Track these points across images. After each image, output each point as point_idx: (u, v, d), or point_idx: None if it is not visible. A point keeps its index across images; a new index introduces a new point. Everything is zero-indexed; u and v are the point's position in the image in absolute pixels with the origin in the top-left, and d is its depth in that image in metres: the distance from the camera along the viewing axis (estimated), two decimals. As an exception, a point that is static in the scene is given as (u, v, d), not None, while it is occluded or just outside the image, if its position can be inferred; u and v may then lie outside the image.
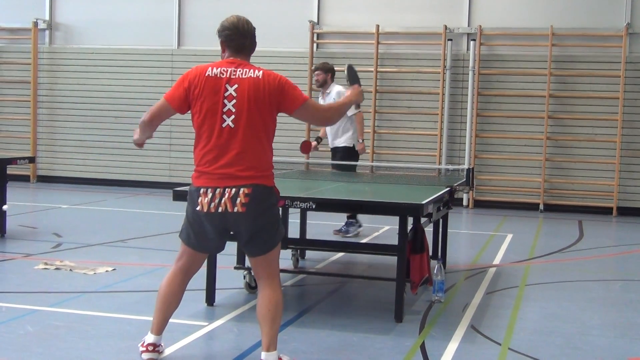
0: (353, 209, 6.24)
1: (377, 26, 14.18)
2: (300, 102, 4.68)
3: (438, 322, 6.00)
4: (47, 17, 15.93)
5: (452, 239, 9.11)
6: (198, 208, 4.60)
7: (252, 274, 6.69)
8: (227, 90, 4.56)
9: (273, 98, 4.61)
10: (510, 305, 6.64)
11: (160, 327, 4.83)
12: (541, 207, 13.76)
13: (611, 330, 6.01)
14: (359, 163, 10.20)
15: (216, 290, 6.28)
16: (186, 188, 6.38)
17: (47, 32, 16.01)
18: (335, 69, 10.24)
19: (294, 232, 8.15)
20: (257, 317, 4.68)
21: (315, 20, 14.63)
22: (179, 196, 6.06)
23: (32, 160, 9.95)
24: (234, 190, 4.53)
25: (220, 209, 4.55)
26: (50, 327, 5.48)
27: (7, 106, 16.24)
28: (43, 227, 10.23)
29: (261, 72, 4.64)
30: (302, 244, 8.04)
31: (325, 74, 10.08)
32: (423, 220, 6.71)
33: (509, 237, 10.56)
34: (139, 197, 14.20)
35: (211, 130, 4.57)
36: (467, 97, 14.01)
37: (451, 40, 14.04)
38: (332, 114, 4.95)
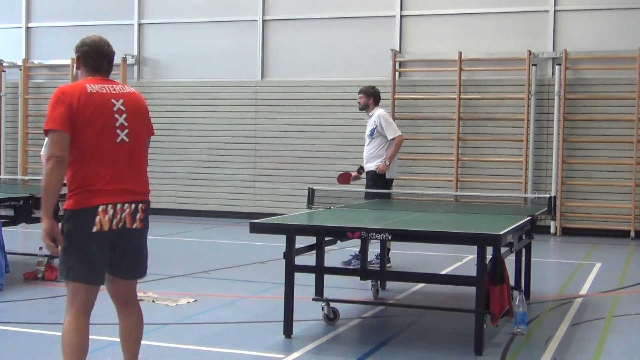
0: (429, 239, 6.16)
1: (460, 53, 14.07)
2: (153, 132, 4.70)
3: (519, 355, 5.86)
4: (135, 53, 16.38)
5: (537, 269, 8.91)
6: (95, 229, 4.28)
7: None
8: (114, 104, 4.39)
9: (148, 118, 4.63)
10: (595, 337, 6.43)
11: None
12: (632, 234, 13.34)
13: (703, 365, 5.77)
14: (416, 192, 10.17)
15: (294, 322, 6.28)
16: (263, 220, 6.46)
17: (135, 67, 16.48)
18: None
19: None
20: (128, 341, 4.60)
21: (397, 48, 14.62)
22: (256, 229, 6.14)
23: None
24: (133, 205, 4.41)
25: (120, 225, 4.35)
26: (130, 359, 5.56)
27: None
28: (130, 258, 10.39)
29: (133, 89, 4.62)
30: (381, 275, 8.00)
31: (367, 97, 10.04)
32: (504, 250, 6.58)
33: (598, 266, 10.25)
34: (224, 228, 14.38)
35: (106, 146, 4.35)
36: (553, 123, 13.75)
37: (536, 65, 13.83)
38: None
